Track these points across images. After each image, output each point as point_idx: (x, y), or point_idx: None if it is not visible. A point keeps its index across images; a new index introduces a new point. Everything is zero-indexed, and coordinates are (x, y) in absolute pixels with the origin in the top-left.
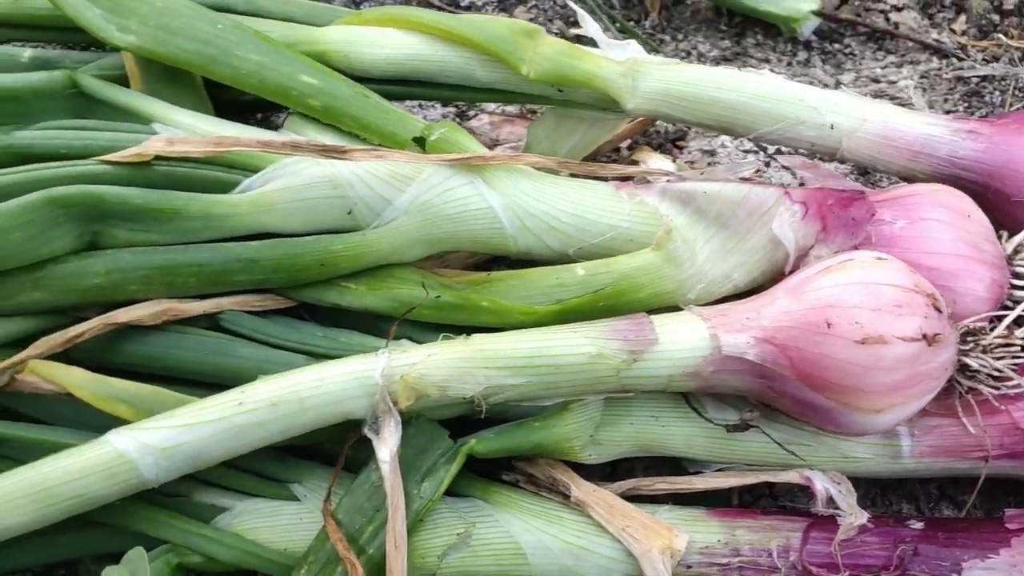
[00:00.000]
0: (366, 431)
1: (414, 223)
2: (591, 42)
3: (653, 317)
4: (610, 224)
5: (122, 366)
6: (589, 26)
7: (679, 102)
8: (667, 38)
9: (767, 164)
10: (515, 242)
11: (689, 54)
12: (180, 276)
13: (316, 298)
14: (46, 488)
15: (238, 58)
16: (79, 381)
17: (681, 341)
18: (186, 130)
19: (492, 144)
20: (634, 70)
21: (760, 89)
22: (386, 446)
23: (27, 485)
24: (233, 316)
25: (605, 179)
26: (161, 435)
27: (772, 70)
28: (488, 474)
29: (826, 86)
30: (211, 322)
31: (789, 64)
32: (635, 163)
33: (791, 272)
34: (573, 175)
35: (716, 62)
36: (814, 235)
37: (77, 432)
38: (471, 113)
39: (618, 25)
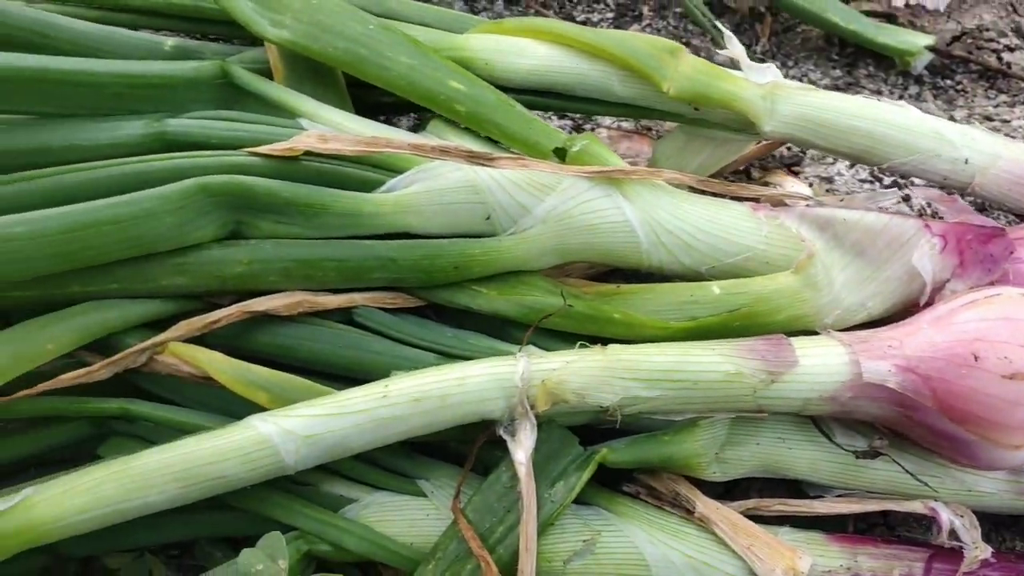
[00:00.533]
0: (501, 432)
1: (550, 232)
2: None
3: (792, 339)
4: (746, 245)
5: (253, 353)
6: (735, 47)
7: (817, 128)
8: (777, 64)
9: (906, 199)
10: (648, 257)
11: (800, 81)
12: (320, 270)
13: (447, 299)
14: (189, 468)
15: (388, 59)
16: (220, 365)
17: (821, 365)
18: (332, 127)
19: None
20: (773, 93)
21: (898, 120)
22: (522, 448)
23: (170, 463)
24: (367, 312)
25: (740, 199)
26: (304, 423)
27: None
28: (607, 484)
29: None
30: (344, 316)
31: (900, 97)
32: (767, 184)
33: (925, 305)
34: (709, 193)
35: (828, 90)
36: (951, 269)
37: (205, 414)
38: (587, 127)
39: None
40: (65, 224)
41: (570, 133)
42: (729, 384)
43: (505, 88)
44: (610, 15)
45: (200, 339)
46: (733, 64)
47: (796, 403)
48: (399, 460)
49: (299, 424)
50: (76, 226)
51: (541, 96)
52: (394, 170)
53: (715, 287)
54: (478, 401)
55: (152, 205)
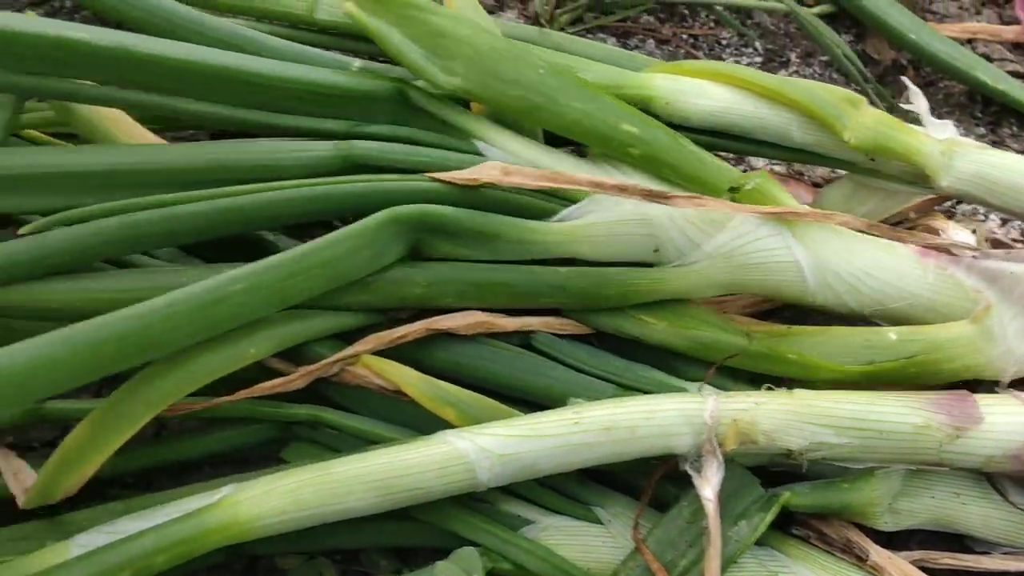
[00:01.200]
0: (687, 467)
1: (717, 267)
2: None
3: (977, 396)
4: (912, 291)
5: (430, 368)
6: (920, 103)
7: (993, 186)
8: None
9: None
10: (813, 296)
11: None
12: (492, 293)
13: (614, 327)
14: (388, 478)
15: (562, 106)
16: (411, 380)
17: (1007, 423)
18: (510, 154)
19: None
20: (951, 150)
21: None
22: (709, 485)
23: (370, 472)
24: (544, 337)
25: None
26: (499, 442)
27: None
28: (776, 525)
29: None
30: (520, 339)
31: None
32: (929, 229)
33: None
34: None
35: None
36: None
37: (389, 425)
38: (739, 167)
39: (886, 104)
40: (284, 272)
41: None
42: (916, 436)
43: (682, 127)
44: (758, 59)
45: (381, 352)
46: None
47: (979, 460)
48: (574, 486)
49: (494, 443)
50: (291, 273)
51: (716, 137)
52: (568, 200)
53: (891, 333)
54: (667, 435)
55: (353, 244)
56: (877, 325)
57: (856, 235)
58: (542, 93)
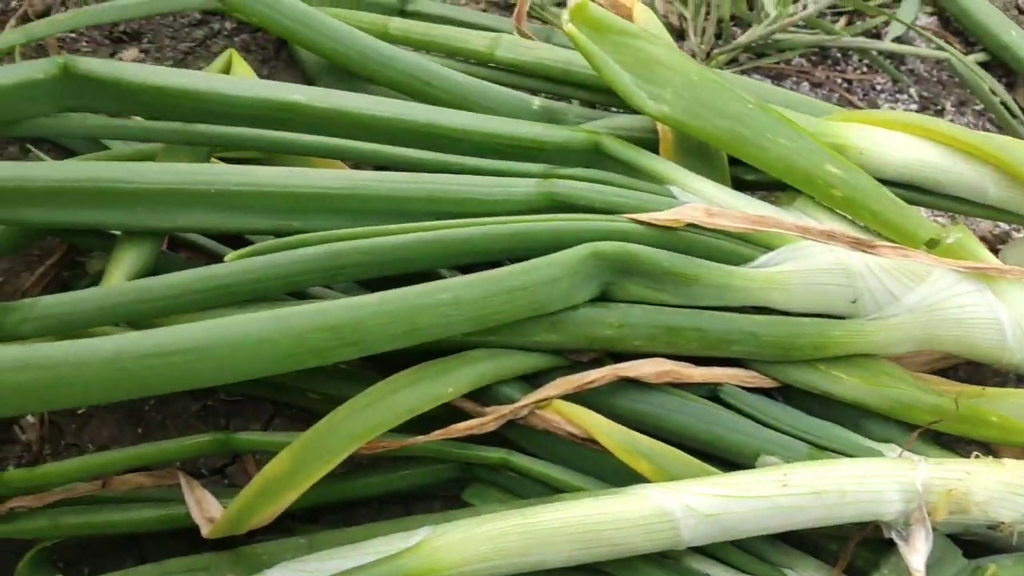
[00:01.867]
0: (892, 535)
1: (916, 322)
2: None
3: None
4: None
5: (613, 415)
6: None
7: None
8: None
9: None
10: (1011, 355)
11: None
12: (683, 339)
13: (804, 382)
14: (591, 531)
15: (768, 140)
16: (605, 429)
17: None
18: (704, 199)
19: None
20: None
21: None
22: (918, 554)
23: (573, 525)
24: (732, 390)
25: None
26: (705, 501)
27: None
28: None
29: None
30: (706, 391)
31: None
32: None
33: None
34: None
35: None
36: None
37: (577, 473)
38: None
39: None
40: (482, 292)
41: None
42: None
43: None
44: (913, 106)
45: (566, 396)
46: None
47: None
48: (763, 545)
49: (700, 502)
50: (490, 293)
51: (908, 190)
52: (766, 246)
53: None
54: (877, 502)
55: (553, 272)
56: None
57: None
58: (749, 126)
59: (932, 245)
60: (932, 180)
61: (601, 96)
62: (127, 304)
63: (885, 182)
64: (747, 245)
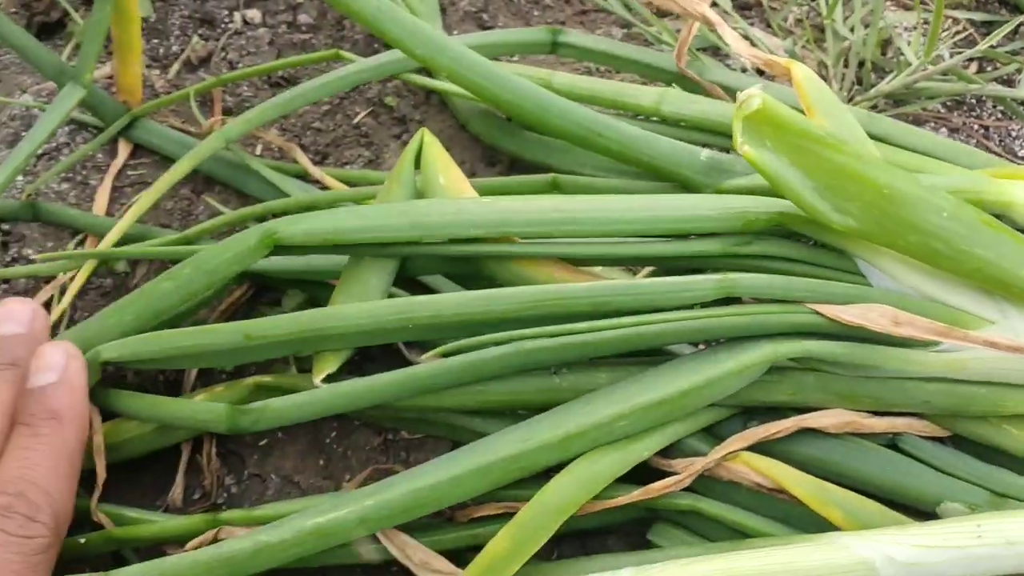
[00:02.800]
0: None
1: None
2: None
3: None
4: None
5: (792, 462)
6: None
7: None
8: None
9: None
10: None
11: None
12: (857, 403)
13: (978, 436)
14: None
15: (964, 252)
16: (796, 480)
17: None
18: (894, 279)
19: None
20: None
21: None
22: None
23: (771, 571)
24: (910, 439)
25: None
26: (903, 551)
27: None
28: None
29: None
30: (885, 439)
31: None
32: None
33: None
34: None
35: None
36: None
37: (761, 519)
38: None
39: None
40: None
41: None
42: None
43: None
44: None
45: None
46: None
47: None
48: None
49: (899, 552)
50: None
51: None
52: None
53: None
54: None
55: (731, 381)
56: None
57: None
58: (943, 240)
59: None
60: None
61: None
62: (339, 402)
63: None
64: None
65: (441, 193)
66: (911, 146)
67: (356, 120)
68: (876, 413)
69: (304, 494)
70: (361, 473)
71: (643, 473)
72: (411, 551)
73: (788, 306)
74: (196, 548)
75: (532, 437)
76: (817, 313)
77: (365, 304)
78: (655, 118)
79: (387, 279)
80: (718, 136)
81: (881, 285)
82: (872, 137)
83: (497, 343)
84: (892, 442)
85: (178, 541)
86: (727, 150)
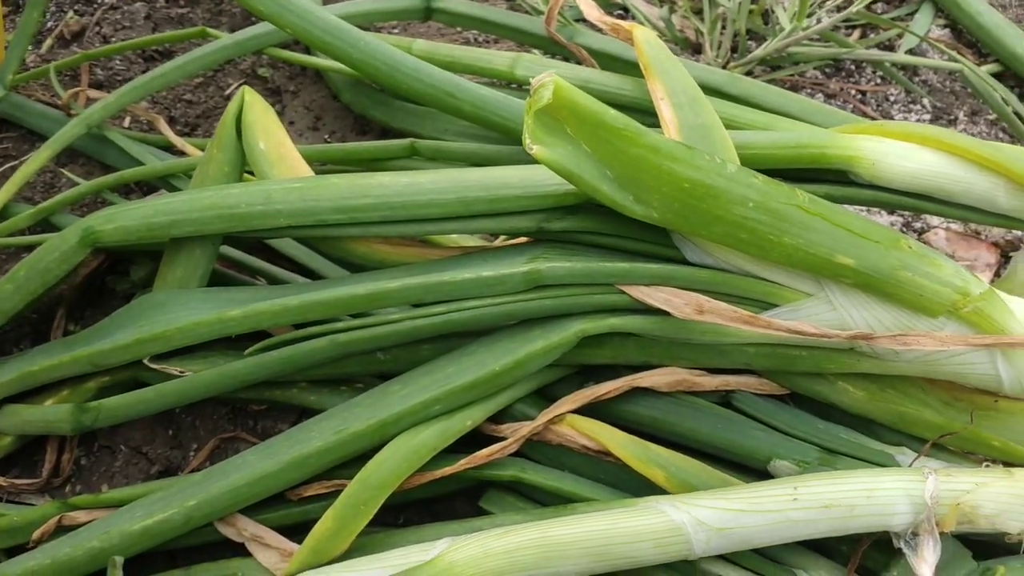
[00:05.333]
0: (902, 545)
1: (914, 368)
2: None
3: None
4: None
5: (628, 423)
6: None
7: None
8: None
9: None
10: (1007, 393)
11: None
12: (676, 361)
13: (812, 392)
14: (604, 545)
15: (772, 241)
16: (620, 441)
17: None
18: (713, 256)
19: None
20: None
21: None
22: (926, 564)
23: (587, 539)
24: (743, 396)
25: None
26: (716, 515)
27: None
28: None
29: None
30: (718, 397)
31: None
32: None
33: None
34: None
35: None
36: None
37: (589, 484)
38: (917, 225)
39: None
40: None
41: (901, 230)
42: None
43: (884, 189)
44: (926, 117)
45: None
46: None
47: None
48: (778, 548)
49: (711, 516)
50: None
51: (918, 199)
52: (769, 304)
53: None
54: (886, 514)
55: (542, 359)
56: None
57: None
58: (749, 230)
59: (953, 313)
60: (944, 190)
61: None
62: (168, 399)
63: (895, 192)
64: (752, 303)
65: (261, 159)
66: (769, 106)
67: (228, 92)
68: (710, 370)
69: (152, 464)
70: (208, 443)
71: (482, 440)
72: (243, 525)
73: (597, 287)
74: (40, 537)
75: (346, 428)
76: (625, 294)
77: (185, 322)
78: (513, 85)
79: (206, 263)
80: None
81: (696, 260)
82: (731, 98)
83: (313, 336)
84: (727, 400)
85: (25, 532)
86: None
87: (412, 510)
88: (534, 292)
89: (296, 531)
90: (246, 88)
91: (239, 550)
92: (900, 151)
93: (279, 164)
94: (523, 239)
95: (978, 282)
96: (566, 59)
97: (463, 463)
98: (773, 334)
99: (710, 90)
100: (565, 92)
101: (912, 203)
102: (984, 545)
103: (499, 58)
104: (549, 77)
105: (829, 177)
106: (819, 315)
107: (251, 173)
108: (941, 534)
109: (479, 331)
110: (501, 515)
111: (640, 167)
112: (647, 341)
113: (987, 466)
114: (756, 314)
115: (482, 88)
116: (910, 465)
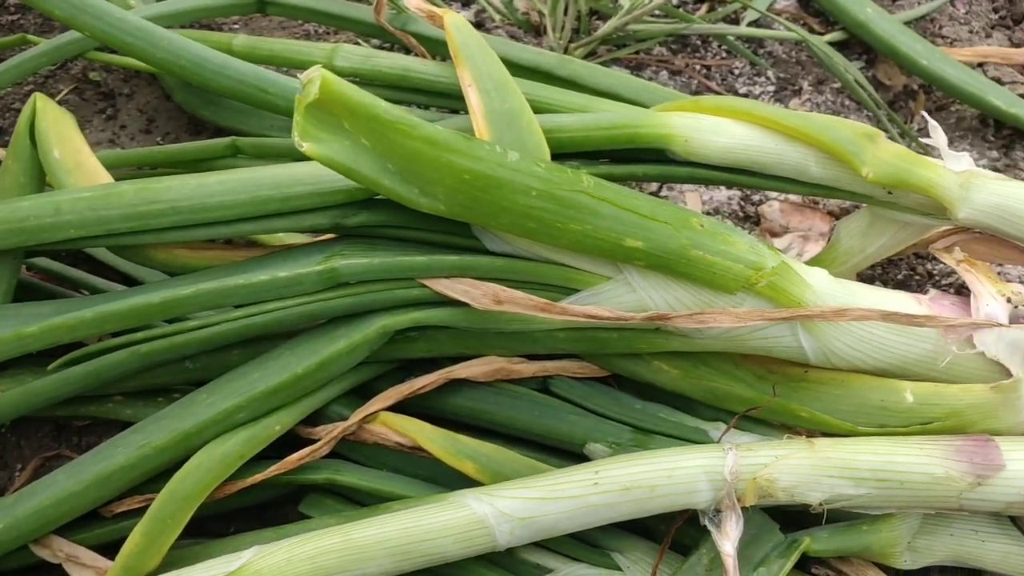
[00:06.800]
0: (705, 522)
1: (720, 344)
2: None
3: (998, 440)
4: (930, 367)
5: (448, 415)
6: (939, 137)
7: (1010, 217)
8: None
9: None
10: (815, 365)
11: None
12: (489, 351)
13: (630, 372)
14: (407, 544)
15: (558, 229)
16: (430, 436)
17: None
18: (511, 244)
19: (782, 230)
20: (969, 181)
21: None
22: (728, 540)
23: (389, 538)
24: (560, 382)
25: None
26: (519, 505)
27: None
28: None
29: None
30: (538, 384)
31: None
32: (967, 269)
33: None
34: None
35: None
36: None
37: (407, 480)
38: (756, 198)
39: (896, 129)
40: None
41: (740, 203)
42: (935, 486)
43: (700, 165)
44: (771, 88)
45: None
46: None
47: (998, 505)
48: (594, 531)
49: (514, 506)
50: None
51: (735, 173)
52: (571, 289)
53: (908, 394)
54: (687, 492)
55: (349, 359)
56: None
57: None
58: (535, 219)
59: (749, 288)
60: (756, 163)
61: (441, 100)
62: None
63: (712, 167)
64: (553, 290)
65: (57, 168)
66: (597, 87)
67: (59, 97)
68: (529, 357)
69: None
70: (31, 463)
71: (301, 444)
72: (58, 546)
73: (398, 282)
74: None
75: (149, 441)
76: (427, 287)
77: None
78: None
79: (8, 278)
80: (396, 91)
81: (496, 249)
82: (561, 80)
83: (114, 348)
84: (546, 386)
85: None
86: (404, 103)
87: (242, 519)
88: (334, 290)
89: (113, 549)
90: (38, 95)
91: (57, 571)
92: (713, 126)
93: (76, 172)
94: (330, 236)
95: (774, 256)
96: (404, 49)
97: (273, 469)
98: (570, 320)
99: (540, 73)
100: (334, 86)
101: (728, 177)
102: (794, 516)
103: (318, 50)
104: (316, 72)
105: (649, 157)
106: (619, 298)
107: None
108: (751, 508)
109: (289, 333)
110: (318, 519)
111: (419, 160)
112: (461, 333)
113: (789, 438)
114: (555, 301)
115: (293, 81)
116: (718, 441)
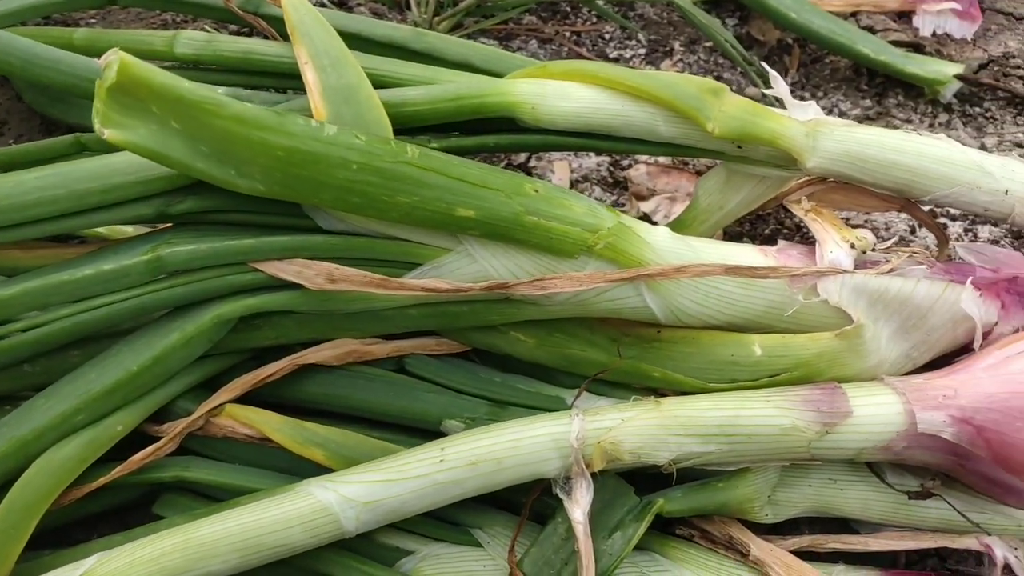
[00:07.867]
0: (557, 491)
1: (568, 310)
2: None
3: (845, 387)
4: (778, 318)
5: (302, 403)
6: (780, 87)
7: (859, 163)
8: (807, 95)
9: (912, 231)
10: (665, 323)
11: (830, 112)
12: (338, 333)
13: (487, 344)
14: (251, 538)
15: (385, 202)
16: (276, 425)
17: (876, 415)
18: (345, 222)
19: (649, 193)
20: (815, 130)
21: (939, 154)
22: (579, 507)
23: (233, 533)
24: (416, 361)
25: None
26: (364, 489)
27: (916, 131)
28: (659, 526)
29: None
30: (395, 364)
31: (931, 126)
32: (814, 219)
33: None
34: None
35: (859, 120)
36: (995, 312)
37: (259, 472)
38: (625, 163)
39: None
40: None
41: (608, 169)
42: (784, 437)
43: (550, 131)
44: (642, 51)
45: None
46: (766, 97)
47: (850, 452)
48: (452, 509)
49: (358, 491)
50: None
51: (588, 138)
52: (412, 264)
53: (756, 347)
54: (535, 463)
55: (186, 352)
56: None
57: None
58: (359, 193)
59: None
60: (606, 125)
61: (288, 81)
62: None
63: (560, 133)
64: (395, 266)
65: None
66: (451, 58)
67: None
68: (387, 338)
69: None
70: None
71: (150, 443)
72: None
73: (229, 268)
74: None
75: None
76: (259, 271)
77: None
78: (176, 63)
79: None
80: (241, 75)
81: (329, 227)
82: (416, 53)
83: None
84: (402, 366)
85: None
86: (251, 87)
87: (105, 524)
88: (162, 281)
89: None
90: None
91: None
92: (558, 91)
93: None
94: (166, 226)
95: (612, 217)
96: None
97: (118, 470)
98: (411, 295)
99: (396, 48)
100: (134, 69)
101: (582, 143)
102: (652, 478)
103: (159, 38)
104: (114, 55)
105: (500, 127)
106: (461, 269)
107: None
108: (606, 473)
109: (125, 331)
110: (169, 519)
111: (230, 140)
112: (308, 317)
113: (636, 400)
114: (397, 276)
115: None
116: (570, 407)
